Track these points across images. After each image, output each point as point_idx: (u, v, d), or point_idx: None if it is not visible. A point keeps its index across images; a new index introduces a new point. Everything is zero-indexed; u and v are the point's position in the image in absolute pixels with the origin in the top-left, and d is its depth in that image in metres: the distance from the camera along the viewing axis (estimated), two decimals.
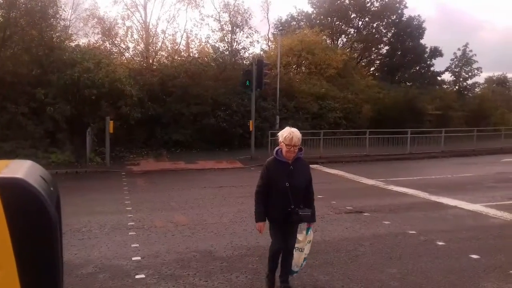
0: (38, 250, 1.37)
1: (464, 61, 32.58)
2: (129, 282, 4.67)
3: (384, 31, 33.95)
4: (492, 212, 8.01)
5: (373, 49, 34.49)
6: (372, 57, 35.48)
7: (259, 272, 4.91)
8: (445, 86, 33.78)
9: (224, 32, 24.49)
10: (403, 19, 33.22)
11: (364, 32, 33.26)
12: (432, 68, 34.54)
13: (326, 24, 31.85)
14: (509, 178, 12.37)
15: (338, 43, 33.51)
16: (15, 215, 1.32)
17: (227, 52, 23.60)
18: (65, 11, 18.06)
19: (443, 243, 6.07)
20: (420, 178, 12.31)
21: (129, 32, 22.53)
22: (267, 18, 32.71)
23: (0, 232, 1.30)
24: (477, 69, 32.63)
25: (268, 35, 30.54)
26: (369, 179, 12.01)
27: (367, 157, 16.90)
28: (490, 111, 28.27)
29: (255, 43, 33.49)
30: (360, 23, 33.70)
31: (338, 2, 32.25)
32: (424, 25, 33.56)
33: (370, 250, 5.77)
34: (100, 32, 22.07)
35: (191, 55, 22.09)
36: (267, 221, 4.26)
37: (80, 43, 19.26)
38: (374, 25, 33.65)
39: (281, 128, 4.72)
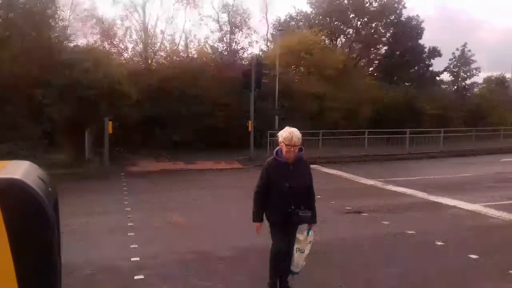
0: (36, 250, 1.37)
1: (463, 61, 32.60)
2: (128, 283, 4.66)
3: (383, 31, 33.95)
4: (491, 212, 8.02)
5: (372, 49, 34.48)
6: (371, 57, 35.46)
7: (258, 272, 4.90)
8: (443, 86, 33.81)
9: (223, 32, 24.56)
10: (401, 19, 33.22)
11: (363, 32, 33.26)
12: (431, 68, 34.55)
13: (325, 24, 31.84)
14: (508, 178, 12.38)
15: (337, 43, 33.50)
16: (12, 216, 1.32)
17: (226, 52, 23.61)
18: (63, 11, 18.05)
19: (442, 243, 6.07)
20: (419, 178, 12.32)
21: (128, 33, 22.55)
22: (266, 18, 32.70)
23: None
24: (476, 69, 32.67)
25: (267, 35, 30.60)
26: (368, 179, 12.01)
27: (366, 157, 16.91)
28: (489, 111, 28.29)
29: (254, 44, 33.64)
30: (359, 23, 33.68)
31: (337, 2, 32.24)
32: (422, 25, 33.58)
33: (369, 250, 5.77)
34: (98, 33, 22.05)
35: (190, 55, 22.10)
36: (265, 222, 4.25)
37: (79, 44, 19.25)
38: (373, 25, 33.64)
39: (280, 128, 4.69)
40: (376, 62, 35.68)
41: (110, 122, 13.90)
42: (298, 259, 4.27)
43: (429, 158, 17.61)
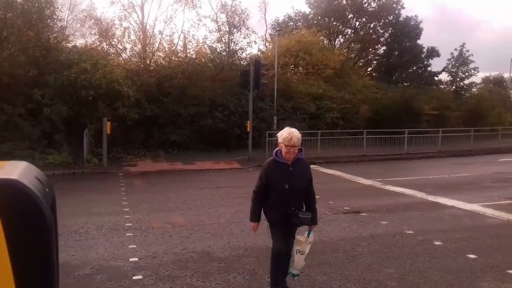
0: (33, 251, 1.37)
1: (461, 61, 32.69)
2: (127, 283, 4.66)
3: (381, 31, 34.03)
4: (489, 212, 8.03)
5: (370, 49, 34.57)
6: (369, 57, 35.56)
7: (256, 272, 4.91)
8: (442, 86, 33.88)
9: (222, 32, 24.54)
10: (400, 19, 33.30)
11: (361, 33, 33.33)
12: (429, 68, 34.69)
13: (323, 24, 31.88)
14: (506, 178, 12.40)
15: (336, 43, 33.58)
16: (9, 217, 1.31)
17: (225, 52, 23.61)
18: (62, 12, 18.07)
19: (440, 243, 6.08)
20: (418, 178, 12.33)
21: (126, 33, 22.55)
22: (265, 18, 32.84)
23: None
24: (474, 69, 32.76)
25: (265, 35, 30.64)
26: (367, 179, 12.02)
27: (364, 157, 16.92)
28: (487, 111, 28.34)
29: (252, 44, 33.59)
30: (357, 23, 33.77)
31: (336, 2, 32.30)
32: (421, 25, 33.70)
33: (367, 250, 5.77)
34: (97, 33, 22.07)
35: (189, 55, 22.09)
36: (266, 222, 4.25)
37: (77, 44, 19.25)
38: (371, 25, 33.73)
39: (279, 128, 4.69)
40: (375, 62, 35.78)
41: (109, 123, 13.89)
42: (298, 260, 4.24)
43: (428, 158, 17.63)
